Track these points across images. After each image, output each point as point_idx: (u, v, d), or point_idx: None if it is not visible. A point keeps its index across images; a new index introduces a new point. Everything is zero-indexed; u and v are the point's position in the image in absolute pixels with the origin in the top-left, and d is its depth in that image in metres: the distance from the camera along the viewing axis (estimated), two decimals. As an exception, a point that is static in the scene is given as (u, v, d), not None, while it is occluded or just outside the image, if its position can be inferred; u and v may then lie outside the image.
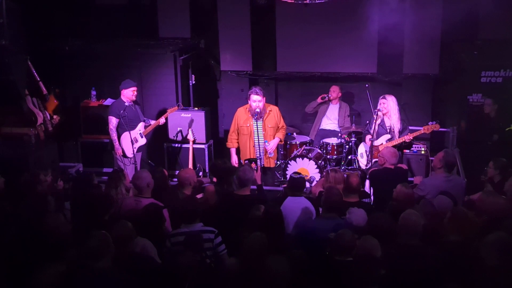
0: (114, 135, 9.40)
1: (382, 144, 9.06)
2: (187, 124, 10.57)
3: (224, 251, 5.95)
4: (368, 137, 9.23)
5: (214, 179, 7.92)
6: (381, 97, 9.20)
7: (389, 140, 9.04)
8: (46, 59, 10.76)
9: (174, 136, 10.81)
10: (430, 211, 6.32)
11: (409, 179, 8.40)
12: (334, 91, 10.96)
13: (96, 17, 11.82)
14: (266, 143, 9.22)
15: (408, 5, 10.64)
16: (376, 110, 9.10)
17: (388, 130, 9.09)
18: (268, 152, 9.32)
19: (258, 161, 9.00)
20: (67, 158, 11.13)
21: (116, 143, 9.39)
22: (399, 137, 9.00)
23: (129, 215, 6.32)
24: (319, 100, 10.93)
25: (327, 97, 10.85)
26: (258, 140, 9.09)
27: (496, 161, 7.65)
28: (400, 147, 9.07)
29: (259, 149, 9.13)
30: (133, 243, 5.57)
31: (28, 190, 7.08)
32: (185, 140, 10.64)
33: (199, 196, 7.45)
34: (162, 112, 10.42)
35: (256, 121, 9.08)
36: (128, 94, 9.45)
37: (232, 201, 6.83)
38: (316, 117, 11.26)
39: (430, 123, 8.97)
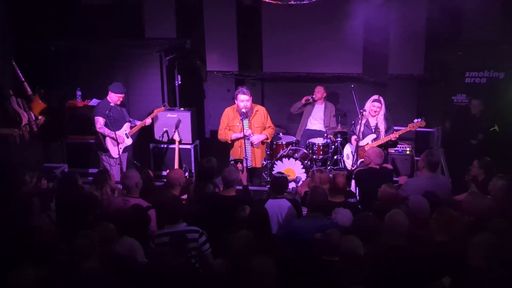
0: (106, 131, 9.36)
1: (368, 144, 9.11)
2: (173, 125, 10.56)
3: (209, 250, 5.94)
4: (353, 137, 9.27)
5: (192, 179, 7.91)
6: (374, 99, 9.22)
7: (375, 139, 9.09)
8: (31, 59, 10.70)
9: (160, 137, 10.78)
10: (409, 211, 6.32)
11: (394, 179, 8.43)
12: (319, 92, 10.99)
13: (81, 17, 11.75)
14: (251, 135, 9.22)
15: (393, 6, 10.68)
16: (361, 111, 9.15)
17: (373, 130, 9.14)
18: (252, 142, 9.31)
19: (244, 162, 9.01)
20: (52, 159, 11.05)
21: (112, 134, 9.34)
22: (385, 136, 9.05)
23: (117, 214, 6.32)
24: (303, 101, 10.97)
25: (311, 99, 10.89)
26: (244, 139, 9.12)
27: (481, 160, 7.70)
28: (385, 146, 9.13)
29: (246, 149, 9.15)
30: (116, 244, 5.57)
31: (12, 191, 7.04)
32: (171, 141, 10.62)
33: (184, 196, 7.46)
34: (148, 113, 10.40)
35: (243, 121, 9.10)
36: (114, 98, 9.44)
37: (217, 202, 6.83)
38: (302, 117, 11.29)
39: (415, 120, 9.03)
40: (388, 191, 6.77)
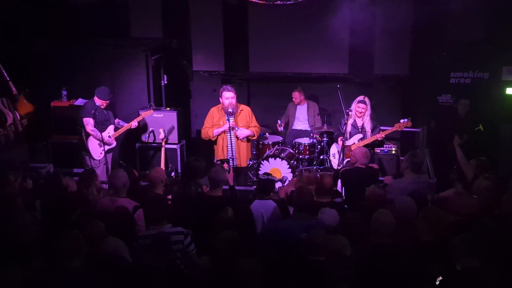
0: (98, 134, 9.33)
1: (354, 143, 9.15)
2: (160, 124, 10.52)
3: (194, 251, 5.94)
4: (340, 138, 9.31)
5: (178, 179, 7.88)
6: (359, 100, 9.25)
7: (361, 139, 9.13)
8: (16, 59, 10.65)
9: (146, 137, 10.75)
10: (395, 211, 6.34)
11: (380, 178, 8.47)
12: (296, 98, 11.11)
13: (67, 16, 11.68)
14: (237, 127, 9.18)
15: (379, 6, 10.74)
16: (347, 111, 9.19)
17: (360, 130, 9.17)
18: (237, 135, 9.21)
19: (231, 161, 9.00)
20: (37, 159, 10.98)
21: (101, 137, 9.31)
22: (371, 135, 9.09)
23: (104, 214, 6.30)
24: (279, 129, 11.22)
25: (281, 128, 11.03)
26: (231, 138, 9.10)
27: (478, 160, 7.68)
28: (372, 145, 9.18)
29: (232, 148, 9.13)
30: (105, 243, 5.56)
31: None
32: (157, 141, 10.59)
33: (168, 196, 7.45)
34: (134, 113, 10.38)
35: (228, 120, 9.05)
36: (98, 102, 9.42)
37: (204, 202, 6.82)
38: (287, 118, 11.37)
39: (402, 120, 9.08)
40: (376, 192, 6.80)
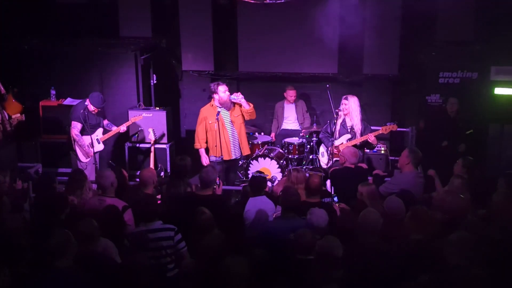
0: (80, 141, 9.31)
1: (342, 143, 9.16)
2: (149, 124, 10.49)
3: (185, 248, 5.95)
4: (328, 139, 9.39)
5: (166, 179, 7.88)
6: (343, 97, 9.30)
7: (350, 139, 9.14)
8: (4, 58, 10.62)
9: (135, 136, 10.72)
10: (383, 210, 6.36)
11: (369, 178, 8.49)
12: (292, 95, 11.09)
13: (56, 15, 11.64)
14: (240, 96, 9.15)
15: (368, 6, 10.77)
16: (336, 110, 9.21)
17: (349, 130, 9.19)
18: (241, 99, 9.18)
19: (233, 154, 9.10)
20: (26, 158, 10.95)
21: (84, 144, 9.30)
22: (361, 136, 9.10)
23: (92, 214, 6.27)
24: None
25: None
26: (232, 130, 9.17)
27: (465, 160, 7.74)
28: (361, 146, 9.19)
29: (235, 141, 9.17)
30: (97, 242, 5.54)
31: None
32: (146, 141, 10.57)
33: (158, 196, 7.44)
34: (123, 112, 10.34)
35: (218, 116, 8.95)
36: (90, 108, 9.39)
37: (193, 201, 6.81)
38: (276, 117, 11.37)
39: (388, 123, 9.11)
40: (367, 189, 6.84)
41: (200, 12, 11.41)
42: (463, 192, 6.77)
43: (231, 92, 9.26)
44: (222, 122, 9.06)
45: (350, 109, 9.14)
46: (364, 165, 8.54)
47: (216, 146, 9.10)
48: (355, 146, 8.98)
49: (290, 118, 11.29)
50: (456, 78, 10.59)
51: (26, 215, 7.04)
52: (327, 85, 10.08)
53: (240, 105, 9.20)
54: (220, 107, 9.11)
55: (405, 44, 11.04)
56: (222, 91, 9.10)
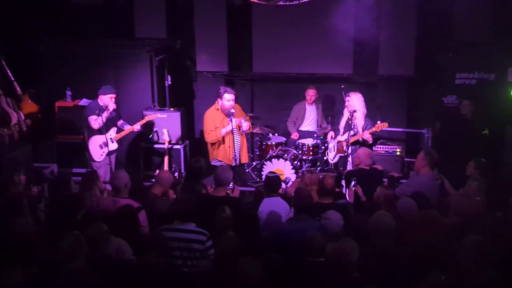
0: (100, 124, 9.27)
1: (345, 140, 9.27)
2: (163, 125, 10.51)
3: (212, 256, 5.88)
4: (330, 133, 9.75)
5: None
6: (346, 95, 9.40)
7: (353, 135, 9.16)
8: (21, 59, 10.66)
9: (150, 137, 10.75)
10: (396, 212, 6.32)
11: (384, 179, 8.46)
12: (314, 95, 11.02)
13: (71, 16, 11.72)
14: (243, 120, 9.17)
15: (384, 6, 10.72)
16: (351, 112, 9.20)
17: (352, 126, 9.19)
18: (244, 129, 9.20)
19: (233, 161, 9.01)
20: (41, 159, 11.02)
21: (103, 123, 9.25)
22: (362, 132, 9.15)
23: (105, 215, 6.29)
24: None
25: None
26: (236, 137, 9.12)
27: (477, 161, 7.70)
28: (363, 143, 9.27)
29: (236, 147, 9.12)
30: (108, 245, 5.54)
31: (1, 192, 6.99)
32: (160, 141, 10.59)
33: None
34: (137, 113, 10.36)
35: (231, 120, 9.00)
36: (106, 100, 9.34)
37: (207, 203, 6.81)
38: (295, 117, 11.34)
39: (378, 122, 9.15)
40: (385, 193, 6.80)
41: (214, 13, 11.42)
42: (479, 195, 6.73)
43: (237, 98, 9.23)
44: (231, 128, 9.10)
45: (353, 105, 9.20)
46: (379, 167, 8.50)
47: (219, 149, 9.20)
48: (356, 142, 9.16)
49: (310, 119, 11.23)
50: (473, 80, 10.52)
51: (41, 215, 7.08)
52: (342, 86, 10.04)
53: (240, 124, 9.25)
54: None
55: (421, 45, 10.97)
56: (227, 99, 9.03)
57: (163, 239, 5.79)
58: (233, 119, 9.00)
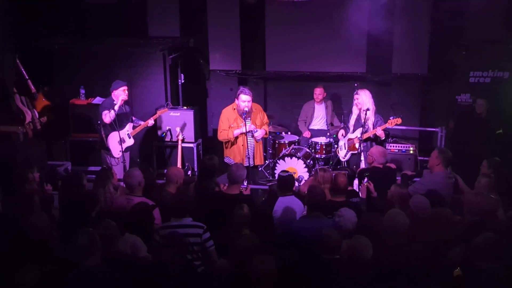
0: (112, 116, 9.23)
1: (356, 137, 9.29)
2: (176, 123, 10.55)
3: (212, 247, 5.97)
4: (340, 131, 9.71)
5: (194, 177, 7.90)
6: (354, 93, 9.42)
7: (364, 132, 9.14)
8: (35, 57, 10.72)
9: (163, 135, 10.78)
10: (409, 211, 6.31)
11: (397, 178, 8.44)
12: (320, 94, 11.02)
13: (85, 15, 11.75)
14: (255, 130, 9.21)
15: (398, 4, 10.68)
16: (365, 110, 9.19)
17: (362, 123, 9.18)
18: (256, 138, 9.30)
19: (246, 160, 9.04)
20: (55, 157, 11.08)
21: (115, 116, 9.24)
22: (373, 129, 9.14)
23: (119, 213, 6.32)
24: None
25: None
26: (247, 136, 9.12)
27: (490, 160, 7.67)
28: (374, 139, 9.31)
29: (249, 147, 9.14)
30: (118, 242, 5.58)
31: (15, 189, 7.04)
32: (174, 139, 10.61)
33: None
34: (151, 112, 10.39)
35: (245, 120, 9.05)
36: (119, 94, 9.36)
37: (220, 200, 6.83)
38: (304, 116, 11.33)
39: (391, 117, 9.20)
40: (399, 191, 6.78)
41: (228, 12, 11.43)
42: (490, 192, 6.70)
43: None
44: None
45: (362, 102, 9.24)
46: (392, 165, 8.48)
47: (232, 147, 9.28)
48: (368, 138, 9.19)
49: (319, 118, 11.23)
50: (487, 78, 10.46)
51: (56, 213, 7.12)
52: (355, 84, 10.03)
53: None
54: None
55: (435, 43, 10.93)
56: (242, 100, 9.06)
57: (178, 236, 5.80)
58: (248, 124, 9.05)
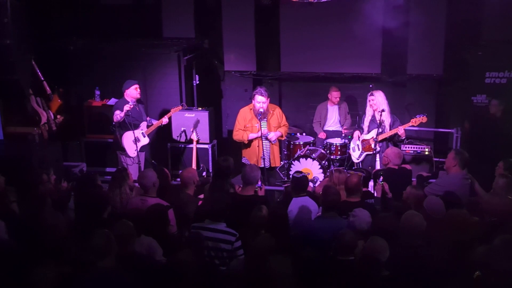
0: (121, 116, 9.29)
1: (372, 137, 9.19)
2: (191, 124, 10.56)
3: (242, 256, 5.91)
4: (356, 133, 9.64)
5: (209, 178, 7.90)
6: (368, 94, 9.36)
7: (380, 133, 9.10)
8: (50, 58, 10.77)
9: (177, 136, 10.80)
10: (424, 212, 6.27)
11: (412, 179, 8.40)
12: (338, 97, 11.02)
13: (100, 16, 11.80)
14: (268, 133, 9.24)
15: (413, 5, 10.64)
16: (380, 111, 9.15)
17: (378, 124, 9.14)
18: (270, 139, 9.32)
19: (262, 161, 9.04)
20: (70, 158, 11.14)
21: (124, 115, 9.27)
22: (390, 129, 9.08)
23: (134, 214, 6.33)
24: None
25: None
26: (262, 139, 9.13)
27: (506, 162, 7.61)
28: (392, 140, 9.28)
29: (264, 148, 9.14)
30: (135, 242, 5.56)
31: (30, 190, 7.06)
32: (189, 140, 10.63)
33: (200, 196, 7.46)
34: (165, 112, 10.42)
35: (260, 121, 9.06)
36: (132, 92, 9.43)
37: (235, 202, 6.81)
38: (319, 117, 11.31)
39: (418, 116, 9.11)
40: (415, 193, 6.74)
41: (242, 12, 11.44)
42: (508, 192, 6.65)
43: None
44: (259, 129, 9.13)
45: (378, 103, 9.19)
46: (408, 166, 8.45)
47: (248, 147, 9.33)
48: (384, 139, 9.14)
49: (332, 120, 11.21)
50: (503, 78, 10.38)
51: (71, 213, 7.14)
52: (370, 85, 9.98)
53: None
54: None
55: (450, 44, 10.87)
56: (258, 101, 9.09)
57: (200, 238, 5.79)
58: (262, 129, 9.08)
